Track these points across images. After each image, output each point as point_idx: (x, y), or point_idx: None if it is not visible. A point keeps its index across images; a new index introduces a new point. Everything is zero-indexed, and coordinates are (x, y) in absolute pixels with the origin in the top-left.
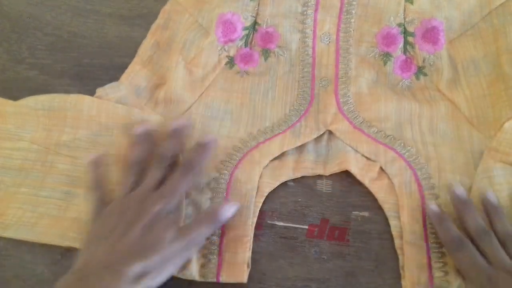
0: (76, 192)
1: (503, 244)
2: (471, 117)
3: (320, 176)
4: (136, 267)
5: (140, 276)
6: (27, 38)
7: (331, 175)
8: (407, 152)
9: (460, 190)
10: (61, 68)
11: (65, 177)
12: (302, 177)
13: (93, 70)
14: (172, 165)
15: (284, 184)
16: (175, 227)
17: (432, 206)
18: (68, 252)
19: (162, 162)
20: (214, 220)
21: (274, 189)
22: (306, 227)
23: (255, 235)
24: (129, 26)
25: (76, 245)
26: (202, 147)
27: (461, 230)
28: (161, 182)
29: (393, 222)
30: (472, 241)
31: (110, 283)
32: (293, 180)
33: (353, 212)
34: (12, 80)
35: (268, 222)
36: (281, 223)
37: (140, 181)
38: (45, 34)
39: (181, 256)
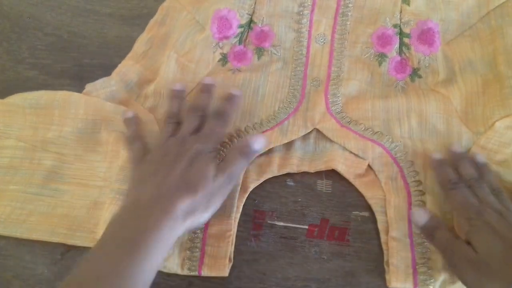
0: (64, 188)
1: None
2: (462, 112)
3: (320, 176)
4: (186, 203)
5: (189, 213)
6: (27, 38)
7: (331, 175)
8: (395, 147)
9: (456, 147)
10: (61, 68)
11: (54, 174)
12: (302, 177)
13: (93, 70)
14: (204, 116)
15: (284, 184)
16: (215, 164)
17: (435, 154)
18: (68, 252)
19: (197, 112)
20: (247, 151)
21: (274, 189)
22: (306, 227)
23: (255, 235)
24: (129, 26)
25: (65, 241)
26: (231, 98)
27: None
28: (197, 129)
29: (379, 217)
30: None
31: (161, 216)
32: (293, 180)
33: (353, 212)
34: (12, 80)
35: (268, 222)
36: (281, 223)
37: (177, 130)
38: (45, 34)
39: (224, 190)
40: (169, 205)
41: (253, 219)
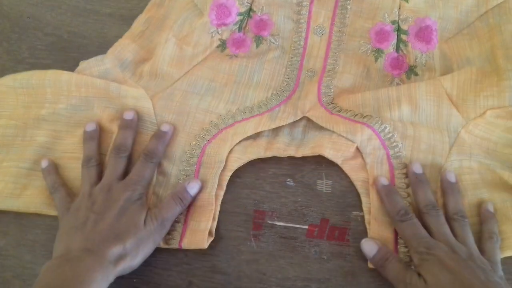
0: (57, 163)
1: (450, 221)
2: (452, 95)
3: (320, 176)
4: (116, 250)
5: (120, 258)
6: (27, 38)
7: (331, 175)
8: (384, 129)
9: (417, 167)
10: (61, 68)
11: (46, 149)
12: (302, 177)
13: None
14: (129, 156)
15: (284, 184)
16: (145, 210)
17: (382, 179)
18: None
19: (121, 153)
20: (183, 197)
21: (274, 189)
22: (306, 227)
23: (255, 235)
24: (129, 26)
25: None
26: (161, 136)
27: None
28: (123, 173)
29: (364, 199)
30: (421, 215)
31: (93, 265)
32: (293, 180)
33: (353, 212)
34: None
35: (268, 222)
36: (281, 223)
37: (100, 173)
38: (45, 34)
39: (156, 236)
40: (99, 254)
41: (253, 219)
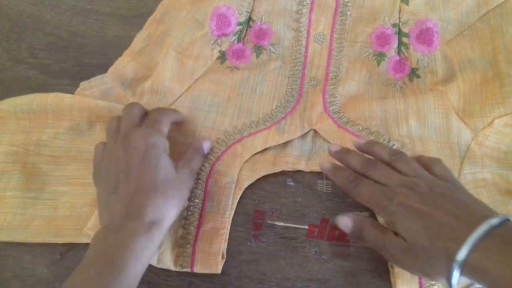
0: (63, 190)
1: (392, 166)
2: (458, 109)
3: (320, 176)
4: (151, 209)
5: (154, 222)
6: (26, 37)
7: None
8: (391, 147)
9: (335, 147)
10: (61, 68)
11: (50, 177)
12: (302, 177)
13: (93, 70)
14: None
15: (284, 184)
16: (168, 156)
17: (325, 165)
18: (67, 252)
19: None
20: (201, 152)
21: (274, 189)
22: (306, 227)
23: (255, 235)
24: (129, 26)
25: (71, 240)
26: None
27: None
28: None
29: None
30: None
31: (134, 230)
32: (293, 180)
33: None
34: (11, 80)
35: (268, 222)
36: (281, 223)
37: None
38: (44, 34)
39: (187, 186)
40: (138, 217)
41: (253, 219)
